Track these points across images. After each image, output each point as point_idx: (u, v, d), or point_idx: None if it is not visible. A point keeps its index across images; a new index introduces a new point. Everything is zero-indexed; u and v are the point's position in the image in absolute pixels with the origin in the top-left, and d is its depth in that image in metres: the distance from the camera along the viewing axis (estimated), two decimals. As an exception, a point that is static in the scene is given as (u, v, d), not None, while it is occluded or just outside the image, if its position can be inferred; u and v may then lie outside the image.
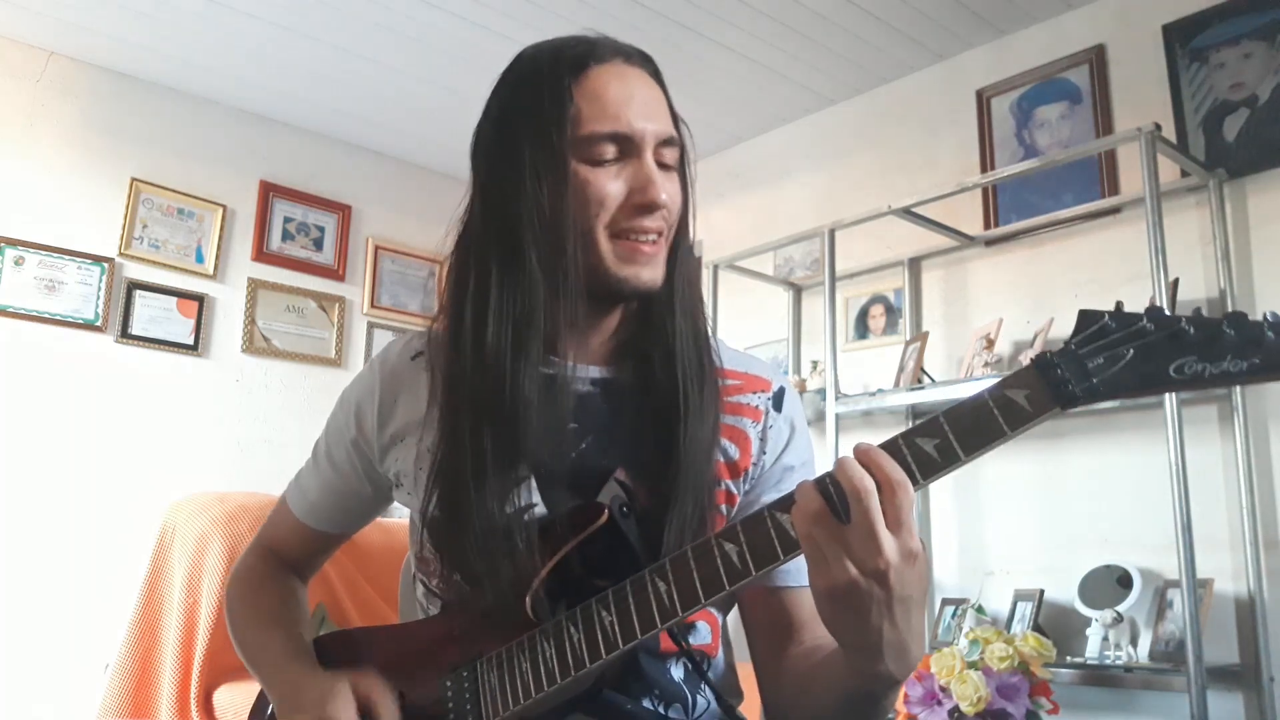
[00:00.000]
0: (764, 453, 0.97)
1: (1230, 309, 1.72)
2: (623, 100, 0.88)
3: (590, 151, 0.87)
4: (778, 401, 0.99)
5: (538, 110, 0.88)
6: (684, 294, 0.93)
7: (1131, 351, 0.65)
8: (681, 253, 0.93)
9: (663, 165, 0.90)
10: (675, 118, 0.93)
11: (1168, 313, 0.65)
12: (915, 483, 0.68)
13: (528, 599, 0.82)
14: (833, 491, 0.67)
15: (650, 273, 0.89)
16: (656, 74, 0.94)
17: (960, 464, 0.68)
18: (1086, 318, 0.67)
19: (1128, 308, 0.67)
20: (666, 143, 0.90)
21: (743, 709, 0.98)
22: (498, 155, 0.91)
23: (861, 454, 0.67)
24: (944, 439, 0.68)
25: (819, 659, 0.86)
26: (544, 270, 0.86)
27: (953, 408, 0.69)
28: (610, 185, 0.87)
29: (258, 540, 1.14)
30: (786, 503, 0.72)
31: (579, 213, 0.87)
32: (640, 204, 0.87)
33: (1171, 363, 0.63)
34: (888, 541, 0.65)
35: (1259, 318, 0.62)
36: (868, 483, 0.65)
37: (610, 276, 0.88)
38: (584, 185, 0.87)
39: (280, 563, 1.12)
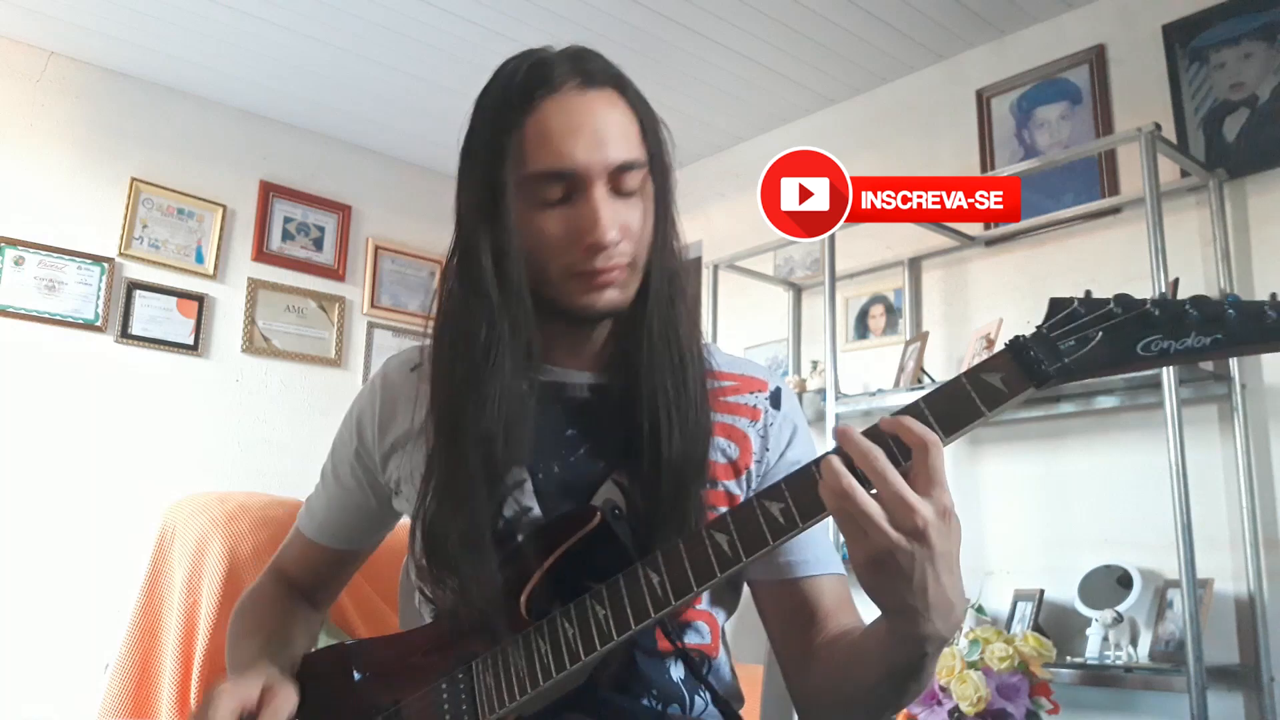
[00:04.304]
0: (767, 449, 0.97)
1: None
2: (567, 134, 0.85)
3: (536, 192, 0.86)
4: (775, 400, 1.00)
5: (487, 151, 0.87)
6: (661, 311, 0.91)
7: (1100, 333, 0.69)
8: (655, 270, 0.91)
9: (621, 192, 0.87)
10: (645, 133, 0.90)
11: (1135, 297, 0.68)
12: (898, 464, 0.70)
13: (522, 600, 0.83)
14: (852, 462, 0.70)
15: (610, 298, 0.88)
16: (625, 91, 0.90)
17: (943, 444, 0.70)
18: (1057, 304, 0.71)
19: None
20: (623, 168, 0.86)
21: (743, 713, 0.98)
22: (461, 184, 0.92)
23: (886, 422, 0.70)
24: (924, 422, 0.70)
25: (853, 639, 0.86)
26: (504, 299, 0.86)
27: (931, 392, 0.71)
28: (556, 230, 0.86)
29: (269, 565, 1.15)
30: (774, 491, 0.73)
31: (531, 255, 0.87)
32: (588, 245, 0.85)
33: (1139, 341, 0.67)
34: (920, 501, 0.67)
35: (1219, 299, 0.66)
36: (875, 449, 0.69)
37: (573, 305, 0.89)
38: (531, 232, 0.86)
39: (288, 584, 1.13)
